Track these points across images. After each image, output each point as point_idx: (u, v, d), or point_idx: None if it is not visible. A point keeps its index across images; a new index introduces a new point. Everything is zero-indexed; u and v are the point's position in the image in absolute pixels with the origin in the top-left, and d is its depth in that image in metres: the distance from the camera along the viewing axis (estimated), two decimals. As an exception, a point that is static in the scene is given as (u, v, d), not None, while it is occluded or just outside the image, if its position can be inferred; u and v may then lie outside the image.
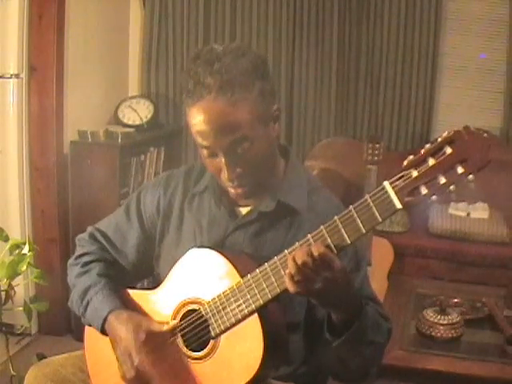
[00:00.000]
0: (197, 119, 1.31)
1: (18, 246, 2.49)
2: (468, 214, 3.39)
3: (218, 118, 1.29)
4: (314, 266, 1.17)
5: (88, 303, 1.48)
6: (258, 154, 1.34)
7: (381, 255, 2.93)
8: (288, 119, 3.85)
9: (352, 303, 1.27)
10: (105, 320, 1.43)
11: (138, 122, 3.59)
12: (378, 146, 2.87)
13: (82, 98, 3.37)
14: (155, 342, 1.38)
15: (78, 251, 1.60)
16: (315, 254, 1.17)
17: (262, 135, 1.34)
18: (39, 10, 2.97)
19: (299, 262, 1.17)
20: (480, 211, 3.38)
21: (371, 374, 1.38)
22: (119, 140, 3.23)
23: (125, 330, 1.39)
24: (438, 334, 2.37)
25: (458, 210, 3.39)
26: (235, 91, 1.28)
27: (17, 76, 2.94)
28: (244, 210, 1.46)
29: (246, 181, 1.36)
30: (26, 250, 2.46)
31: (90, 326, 1.51)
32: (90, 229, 1.62)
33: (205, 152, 1.35)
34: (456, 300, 2.65)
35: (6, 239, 2.52)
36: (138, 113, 3.61)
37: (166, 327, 1.39)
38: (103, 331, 1.45)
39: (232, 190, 1.38)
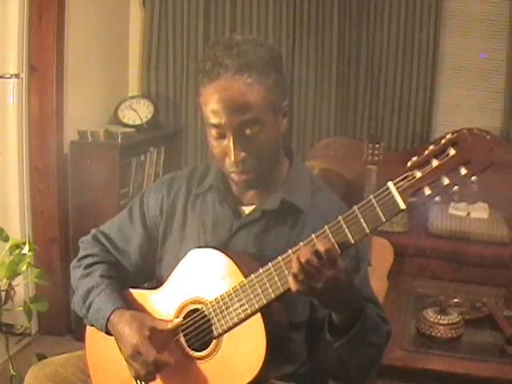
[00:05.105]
0: (212, 97, 1.33)
1: (17, 246, 2.48)
2: (468, 214, 3.39)
3: (233, 97, 1.31)
4: (319, 264, 1.17)
5: (90, 304, 1.47)
6: (265, 142, 1.36)
7: (381, 255, 2.93)
8: (288, 119, 3.84)
9: (353, 304, 1.27)
10: (108, 320, 1.43)
11: (138, 122, 3.59)
12: (377, 146, 2.87)
13: (82, 98, 3.37)
14: (158, 340, 1.37)
15: (81, 253, 1.60)
16: (321, 249, 1.17)
17: (271, 124, 1.37)
18: (39, 9, 2.97)
19: (303, 259, 1.17)
20: (480, 211, 3.39)
21: (371, 375, 1.39)
22: (119, 140, 3.23)
23: (128, 329, 1.39)
24: (438, 334, 2.37)
25: (457, 209, 3.39)
26: (251, 74, 1.31)
27: (17, 76, 2.94)
28: (247, 209, 1.46)
29: (250, 167, 1.36)
30: (25, 250, 2.46)
31: (92, 326, 1.50)
32: (93, 231, 1.63)
33: (214, 132, 1.37)
34: (456, 300, 2.65)
35: (6, 239, 2.52)
36: (138, 113, 3.61)
37: (169, 325, 1.39)
38: (108, 332, 1.44)
39: (235, 177, 1.39)
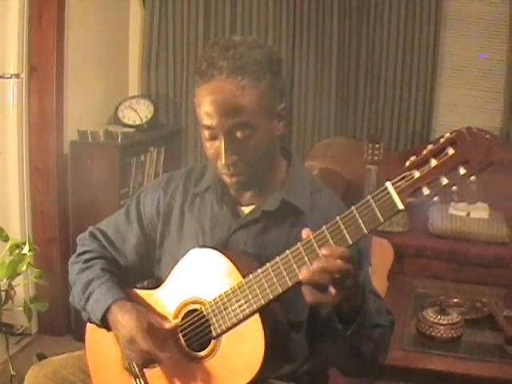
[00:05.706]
0: (205, 98, 1.33)
1: (17, 246, 2.49)
2: (468, 214, 3.39)
3: (225, 99, 1.31)
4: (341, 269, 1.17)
5: (90, 295, 1.47)
6: (257, 145, 1.35)
7: (381, 255, 2.93)
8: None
9: (359, 290, 1.27)
10: (108, 309, 1.42)
11: (138, 122, 3.59)
12: (377, 146, 2.87)
13: (82, 97, 3.37)
14: (156, 338, 1.37)
15: (79, 249, 1.60)
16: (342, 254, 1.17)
17: (264, 128, 1.36)
18: (39, 9, 2.97)
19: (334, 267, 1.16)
20: (480, 211, 3.39)
21: (381, 359, 1.38)
22: (119, 140, 3.23)
23: (128, 317, 1.38)
24: (438, 334, 2.37)
25: (458, 209, 3.39)
26: (245, 77, 1.30)
27: (17, 76, 2.94)
28: (246, 210, 1.46)
29: (241, 170, 1.36)
30: (25, 250, 2.47)
31: (89, 320, 1.49)
32: (90, 228, 1.62)
33: (206, 134, 1.37)
34: (456, 300, 2.66)
35: (6, 239, 2.52)
36: (138, 113, 3.61)
37: (167, 325, 1.39)
38: (103, 322, 1.44)
39: (227, 179, 1.39)
